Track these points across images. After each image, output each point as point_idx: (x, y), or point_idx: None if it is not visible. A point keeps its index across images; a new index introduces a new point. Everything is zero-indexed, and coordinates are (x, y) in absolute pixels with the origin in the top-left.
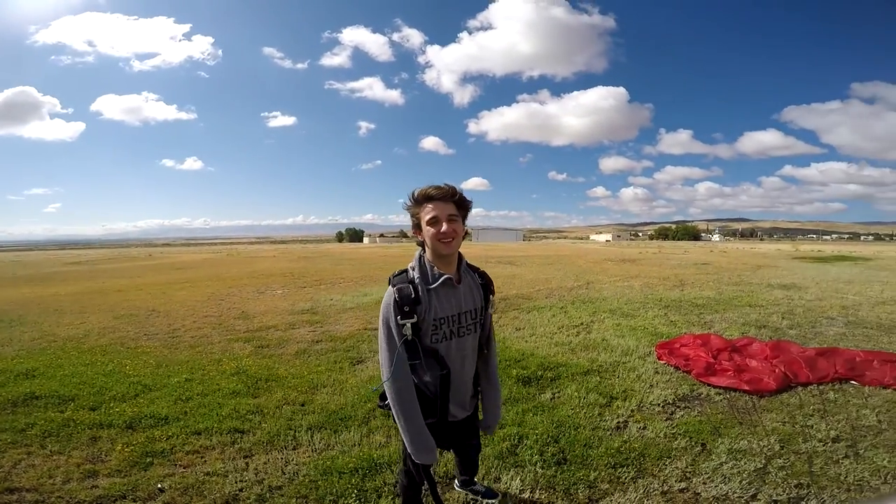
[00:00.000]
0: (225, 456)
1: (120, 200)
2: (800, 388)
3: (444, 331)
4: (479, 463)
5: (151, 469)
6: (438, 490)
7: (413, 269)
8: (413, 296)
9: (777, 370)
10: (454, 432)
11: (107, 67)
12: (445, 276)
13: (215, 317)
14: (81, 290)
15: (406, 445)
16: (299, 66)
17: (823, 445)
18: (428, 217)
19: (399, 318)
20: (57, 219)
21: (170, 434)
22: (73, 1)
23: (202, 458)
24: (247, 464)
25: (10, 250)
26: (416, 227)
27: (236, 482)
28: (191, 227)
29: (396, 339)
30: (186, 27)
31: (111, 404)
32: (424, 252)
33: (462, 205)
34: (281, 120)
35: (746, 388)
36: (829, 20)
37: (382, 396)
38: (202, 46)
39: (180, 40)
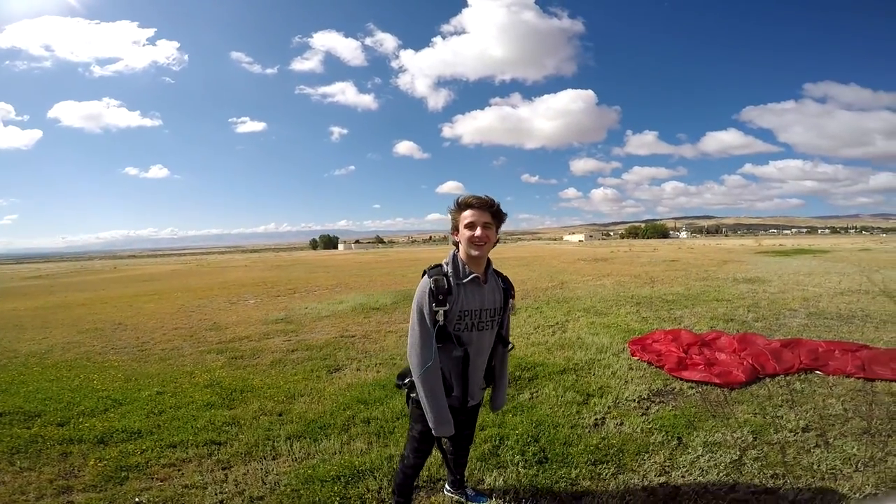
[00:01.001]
0: (203, 468)
1: (81, 211)
2: (768, 380)
3: (467, 322)
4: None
5: (127, 483)
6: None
7: (447, 265)
8: (447, 287)
9: (745, 362)
10: (464, 416)
11: (65, 73)
12: (474, 275)
13: (186, 328)
14: (43, 305)
15: (429, 420)
16: (269, 70)
17: (794, 435)
18: (466, 221)
19: (434, 305)
20: (13, 231)
21: (144, 448)
22: (30, 5)
23: (179, 470)
24: (226, 475)
25: None
26: (455, 229)
27: (216, 494)
28: (157, 237)
29: (429, 324)
30: (151, 31)
31: (80, 419)
32: (458, 251)
33: (497, 216)
34: (250, 125)
35: (717, 381)
36: (782, 23)
37: (401, 376)
38: (167, 51)
39: (144, 45)
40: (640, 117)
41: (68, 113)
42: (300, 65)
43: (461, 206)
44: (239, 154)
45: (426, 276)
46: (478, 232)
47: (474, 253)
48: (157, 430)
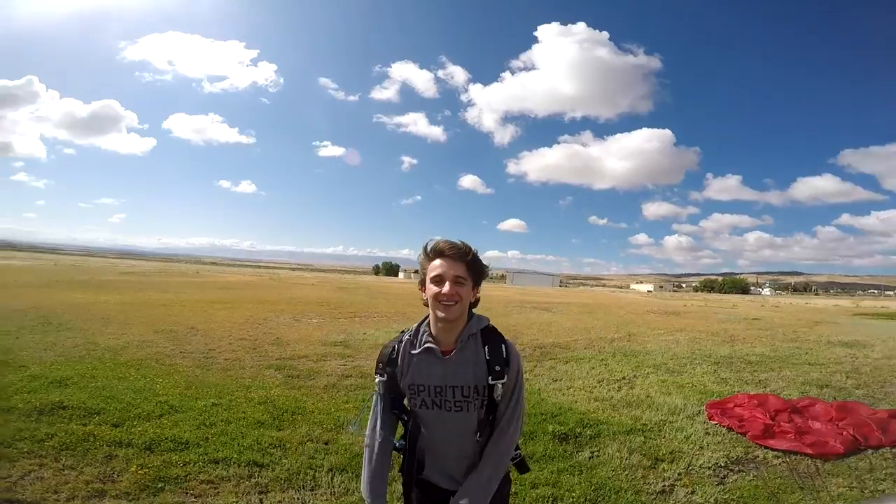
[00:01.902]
0: (240, 490)
1: (176, 216)
2: (870, 452)
3: (425, 398)
4: None
5: (161, 495)
6: None
7: (409, 331)
8: (393, 356)
9: (845, 433)
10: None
11: (182, 87)
12: (427, 346)
13: (250, 340)
14: (129, 301)
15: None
16: (351, 97)
17: None
18: (433, 274)
19: (375, 372)
20: (119, 228)
21: (187, 460)
22: (160, 19)
23: (216, 489)
24: (260, 500)
25: (72, 254)
26: (422, 282)
27: None
28: (238, 248)
29: (376, 388)
30: (254, 52)
31: (135, 422)
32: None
33: (474, 268)
34: (331, 150)
35: (810, 451)
36: (884, 60)
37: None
38: (266, 73)
39: (248, 65)
40: (722, 159)
41: (180, 125)
42: (379, 94)
43: (430, 253)
44: (318, 177)
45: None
46: (445, 288)
47: (441, 314)
48: (203, 443)
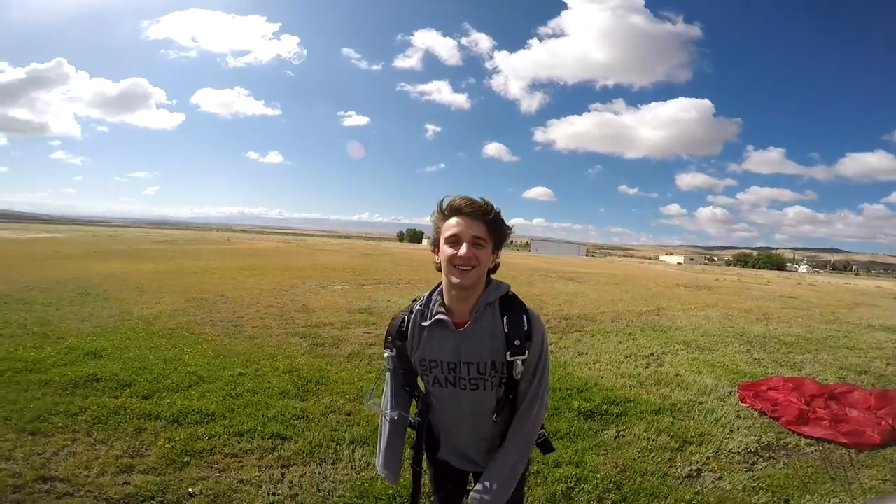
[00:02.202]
0: (262, 463)
1: (207, 187)
2: None
3: (437, 375)
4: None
5: (187, 470)
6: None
7: (421, 300)
8: (403, 328)
9: (883, 422)
10: (467, 478)
11: (206, 62)
12: (438, 317)
13: (277, 307)
14: (163, 269)
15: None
16: (374, 67)
17: None
18: (448, 233)
19: (384, 346)
20: (153, 200)
21: (213, 433)
22: None
23: (240, 462)
24: (283, 475)
25: (110, 226)
26: (435, 243)
27: (269, 495)
28: (266, 216)
29: (385, 363)
30: (276, 26)
31: (164, 394)
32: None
33: (496, 229)
34: (355, 119)
35: (845, 440)
36: None
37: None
38: (289, 46)
39: (270, 39)
40: (765, 132)
41: (207, 99)
42: (402, 62)
43: (446, 211)
44: (343, 146)
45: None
46: (462, 250)
47: (455, 280)
48: (229, 415)
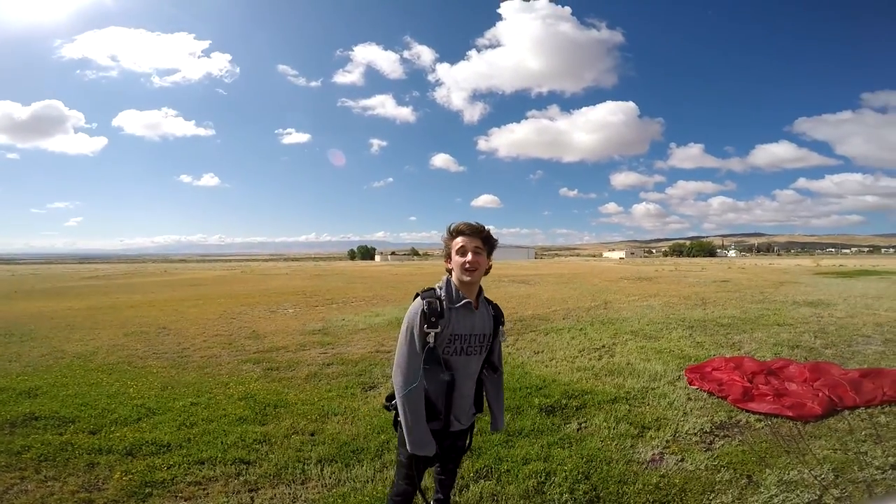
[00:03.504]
0: (229, 489)
1: (138, 216)
2: (847, 413)
3: (456, 346)
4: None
5: (150, 500)
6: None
7: (440, 289)
8: (439, 310)
9: (820, 394)
10: (449, 440)
11: (129, 83)
12: (467, 300)
13: (226, 336)
14: (95, 305)
15: (407, 439)
16: (313, 83)
17: (882, 473)
18: (457, 247)
19: (426, 327)
20: (77, 232)
21: (171, 463)
22: (98, 15)
23: (204, 490)
24: (252, 498)
25: (30, 263)
26: (447, 256)
27: None
28: (206, 243)
29: (418, 345)
30: (206, 44)
31: (112, 428)
32: (451, 278)
33: (488, 241)
34: (295, 137)
35: (790, 413)
36: (833, 31)
37: (390, 397)
38: (220, 63)
39: (199, 57)
40: (685, 129)
41: (131, 121)
42: (342, 77)
43: (453, 233)
44: (284, 164)
45: (419, 297)
46: (469, 258)
47: (466, 278)
48: (186, 444)
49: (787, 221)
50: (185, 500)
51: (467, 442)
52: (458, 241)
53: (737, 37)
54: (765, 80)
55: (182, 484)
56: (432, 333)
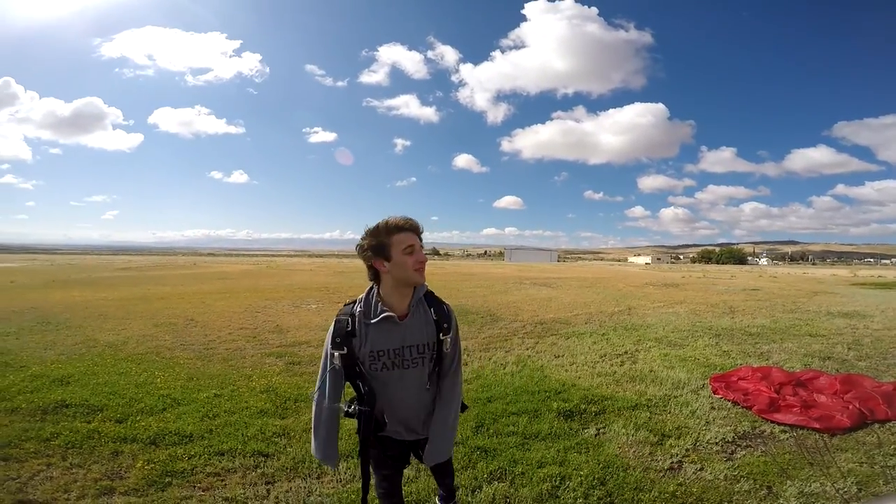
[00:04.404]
0: (246, 481)
1: (170, 210)
2: (877, 426)
3: (385, 361)
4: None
5: (169, 490)
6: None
7: (360, 303)
8: (349, 329)
9: (850, 406)
10: (408, 450)
11: (164, 81)
12: (386, 314)
13: (250, 329)
14: (127, 296)
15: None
16: (339, 83)
17: None
18: (404, 246)
19: (331, 347)
20: (113, 225)
21: (192, 453)
22: (135, 15)
23: (223, 481)
24: (268, 491)
25: (68, 254)
26: (380, 257)
27: None
28: (234, 238)
29: (327, 365)
30: (237, 43)
31: (138, 417)
32: (378, 285)
33: (421, 238)
34: (322, 136)
35: (816, 425)
36: (877, 32)
37: (348, 403)
38: (251, 63)
39: (231, 56)
40: (717, 133)
41: (166, 119)
42: (368, 77)
43: (391, 229)
44: (310, 163)
45: (338, 315)
46: (422, 255)
47: (418, 280)
48: (208, 436)
49: (824, 229)
50: (204, 491)
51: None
52: (404, 238)
53: (773, 38)
54: (802, 83)
55: (201, 475)
56: (337, 355)
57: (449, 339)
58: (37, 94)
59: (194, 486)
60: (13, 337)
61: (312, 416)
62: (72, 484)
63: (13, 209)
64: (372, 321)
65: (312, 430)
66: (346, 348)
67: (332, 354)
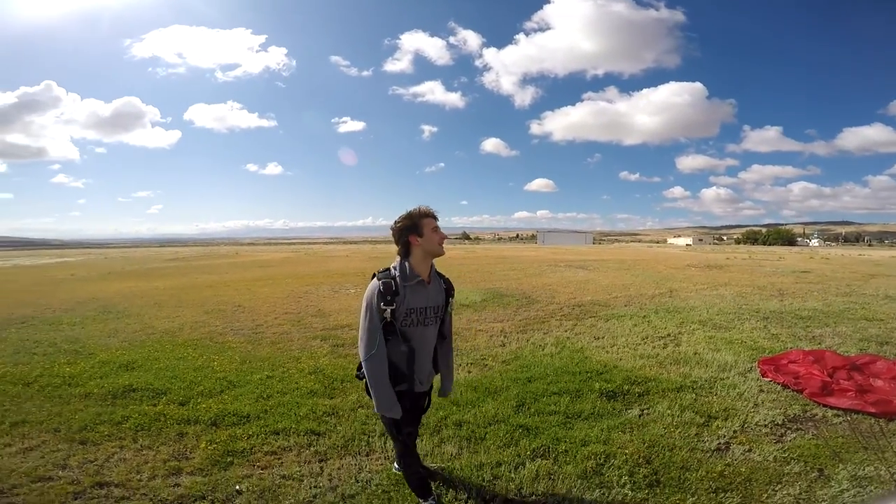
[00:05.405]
0: (301, 459)
1: (210, 202)
2: None
3: (413, 319)
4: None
5: (231, 469)
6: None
7: (395, 269)
8: (394, 288)
9: None
10: (413, 402)
11: (196, 78)
12: (419, 278)
13: (294, 314)
14: (178, 285)
15: (374, 402)
16: (364, 73)
17: None
18: (432, 226)
19: (382, 304)
20: (158, 219)
21: (250, 433)
22: (161, 14)
23: (279, 459)
24: (321, 468)
25: (119, 247)
26: (407, 235)
27: (311, 488)
28: (272, 227)
29: (377, 320)
30: (262, 38)
31: (199, 400)
32: (407, 257)
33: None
34: (350, 125)
35: (873, 410)
36: None
37: (359, 367)
38: (277, 57)
39: (258, 51)
40: (760, 111)
41: (200, 115)
42: (392, 66)
43: (424, 215)
44: (342, 152)
45: (375, 279)
46: (442, 234)
47: (441, 252)
48: (263, 416)
49: (881, 209)
50: (262, 469)
51: (426, 402)
52: (431, 221)
53: (816, 10)
54: (854, 60)
55: (259, 454)
56: (388, 310)
57: (452, 303)
58: (78, 96)
59: (254, 465)
60: (79, 326)
61: (372, 376)
62: (143, 465)
63: (68, 207)
64: (408, 284)
65: (376, 388)
66: (394, 304)
67: (385, 310)
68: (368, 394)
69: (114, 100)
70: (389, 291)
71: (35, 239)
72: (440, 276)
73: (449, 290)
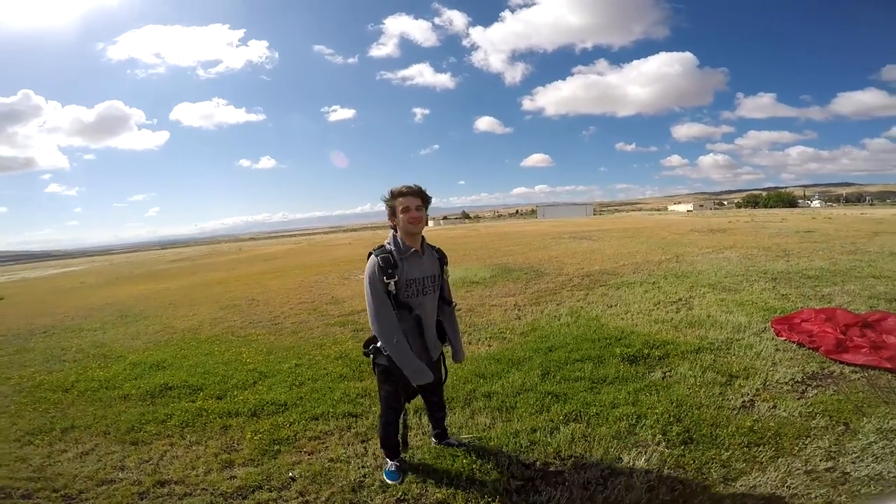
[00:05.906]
0: (344, 441)
1: (208, 201)
2: None
3: (413, 289)
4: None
5: (280, 457)
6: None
7: (389, 244)
8: (393, 261)
9: None
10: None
11: (177, 77)
12: (413, 249)
13: (309, 303)
14: (188, 285)
15: (408, 374)
16: (350, 60)
17: None
18: (401, 206)
19: (385, 277)
20: (157, 221)
21: (291, 420)
22: (132, 16)
23: (324, 444)
24: (365, 448)
25: (122, 252)
26: (392, 214)
27: (359, 468)
28: (271, 221)
29: (382, 293)
30: (241, 32)
31: (235, 392)
32: (397, 233)
33: (425, 199)
34: (341, 113)
35: (888, 365)
36: None
37: (366, 344)
38: (259, 51)
39: (237, 46)
40: (753, 79)
41: (186, 114)
42: (377, 51)
43: (394, 194)
44: (334, 141)
45: (373, 255)
46: (413, 213)
47: (413, 230)
48: (300, 403)
49: (881, 171)
50: (309, 454)
51: (443, 374)
52: (401, 201)
53: None
54: (845, 25)
55: (303, 439)
56: (391, 283)
57: (447, 270)
58: (59, 104)
59: (300, 451)
60: (100, 331)
61: (397, 350)
62: (196, 461)
63: (65, 216)
64: (404, 256)
65: (403, 357)
66: (396, 276)
67: (388, 283)
68: (374, 369)
69: (95, 104)
70: (389, 264)
71: (37, 251)
72: (432, 247)
73: (442, 258)
